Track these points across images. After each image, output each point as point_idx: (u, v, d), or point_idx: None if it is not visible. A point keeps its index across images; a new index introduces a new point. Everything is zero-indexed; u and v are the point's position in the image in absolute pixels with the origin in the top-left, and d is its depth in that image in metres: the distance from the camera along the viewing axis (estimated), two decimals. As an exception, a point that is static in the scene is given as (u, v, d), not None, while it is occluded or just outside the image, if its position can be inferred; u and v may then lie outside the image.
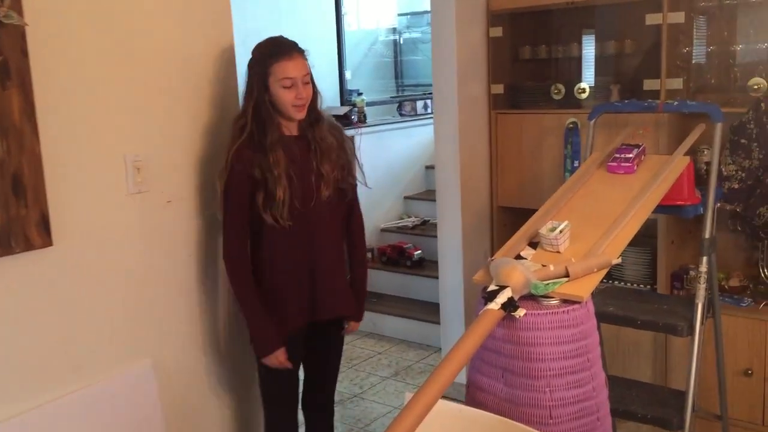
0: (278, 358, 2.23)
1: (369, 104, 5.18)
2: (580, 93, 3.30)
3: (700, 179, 2.82)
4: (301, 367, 2.41)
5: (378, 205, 5.12)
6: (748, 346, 2.98)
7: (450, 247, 3.55)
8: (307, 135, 2.24)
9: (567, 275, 1.85)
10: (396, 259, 4.87)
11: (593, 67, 3.38)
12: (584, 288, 1.83)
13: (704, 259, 2.37)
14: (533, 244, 2.07)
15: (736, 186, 2.85)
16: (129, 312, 2.11)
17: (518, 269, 1.83)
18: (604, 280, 3.38)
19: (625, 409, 2.40)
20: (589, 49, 3.37)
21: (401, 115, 5.44)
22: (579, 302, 1.82)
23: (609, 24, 3.37)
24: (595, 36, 3.36)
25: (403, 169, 5.29)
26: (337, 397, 3.77)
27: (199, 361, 2.32)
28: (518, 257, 2.01)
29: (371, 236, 5.06)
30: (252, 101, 2.16)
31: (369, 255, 4.96)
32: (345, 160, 2.31)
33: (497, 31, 3.47)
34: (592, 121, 2.69)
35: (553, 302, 1.84)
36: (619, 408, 2.41)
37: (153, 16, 2.11)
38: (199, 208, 2.27)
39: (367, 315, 4.85)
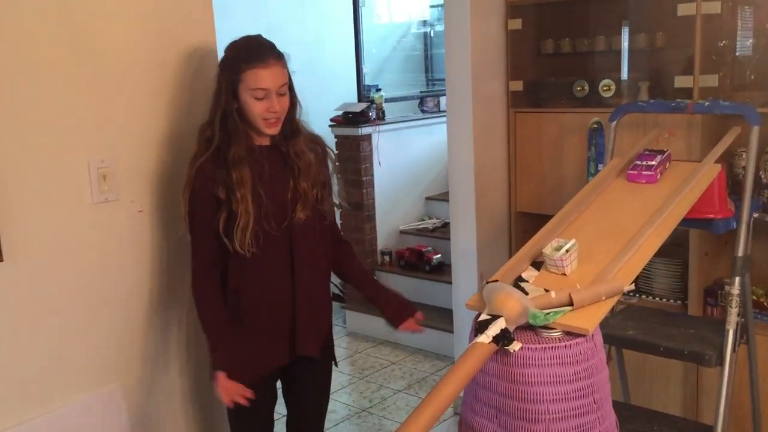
0: (224, 384, 1.90)
1: (388, 100, 4.95)
2: (605, 90, 3.04)
3: (737, 186, 2.55)
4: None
5: (397, 206, 4.90)
6: (789, 371, 2.70)
7: (464, 255, 3.32)
8: (280, 147, 1.98)
9: (571, 304, 1.62)
10: (415, 263, 4.66)
11: (620, 62, 3.10)
12: (590, 319, 1.60)
13: (737, 280, 2.11)
14: (537, 264, 1.84)
15: (777, 195, 2.56)
16: (95, 333, 1.95)
17: (514, 296, 1.61)
18: (629, 293, 3.12)
19: (645, 447, 2.15)
20: (616, 43, 3.09)
21: (423, 111, 5.20)
22: (584, 335, 1.58)
23: (638, 15, 3.09)
24: (623, 29, 3.08)
25: (424, 168, 5.06)
26: (344, 412, 3.59)
27: (172, 383, 2.15)
28: (519, 279, 1.79)
29: (389, 239, 4.85)
30: (220, 109, 1.90)
31: (387, 258, 4.76)
32: (326, 178, 2.06)
33: (516, 23, 3.22)
34: (614, 123, 2.44)
35: (555, 334, 1.61)
36: (638, 445, 2.16)
37: (124, 16, 1.94)
38: (175, 218, 2.09)
39: (383, 322, 4.67)
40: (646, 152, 2.15)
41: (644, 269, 3.10)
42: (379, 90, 4.89)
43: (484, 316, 1.62)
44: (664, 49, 3.00)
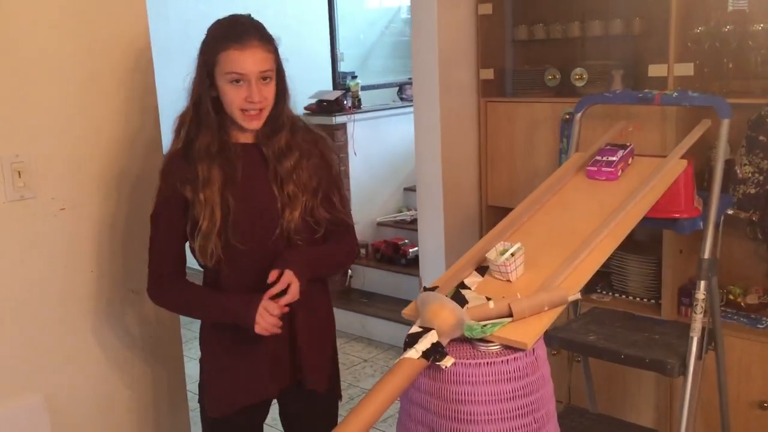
0: (266, 319, 1.62)
1: (365, 88, 4.81)
2: (577, 79, 2.89)
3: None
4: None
5: (374, 198, 4.76)
6: (764, 374, 2.57)
7: (431, 251, 3.19)
8: (261, 146, 1.74)
9: (510, 315, 1.49)
10: (391, 256, 4.53)
11: (595, 50, 2.95)
12: (530, 332, 1.46)
13: (702, 284, 1.97)
14: (483, 270, 1.70)
15: (753, 191, 2.42)
16: (11, 341, 1.81)
17: (447, 307, 1.47)
18: (602, 291, 3.00)
19: (604, 460, 2.03)
20: (591, 30, 2.93)
21: (402, 99, 5.05)
22: (523, 350, 1.45)
23: (615, 0, 2.93)
24: (599, 14, 2.93)
25: (402, 158, 4.91)
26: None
27: (102, 392, 2.02)
28: (461, 286, 1.65)
29: (366, 231, 4.71)
30: (195, 96, 1.69)
31: (363, 251, 4.63)
32: (322, 184, 1.77)
33: (487, 8, 3.06)
34: (578, 115, 2.30)
35: (493, 348, 1.48)
36: (596, 457, 2.04)
37: (41, 5, 1.79)
38: (101, 216, 1.96)
39: (356, 317, 4.57)
40: (608, 147, 2.01)
41: (618, 267, 3.00)
42: (355, 77, 4.74)
43: (414, 329, 1.49)
44: (639, 36, 2.85)
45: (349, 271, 4.47)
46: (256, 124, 1.70)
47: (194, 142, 1.69)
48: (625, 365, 2.06)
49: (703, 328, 2.03)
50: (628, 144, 2.00)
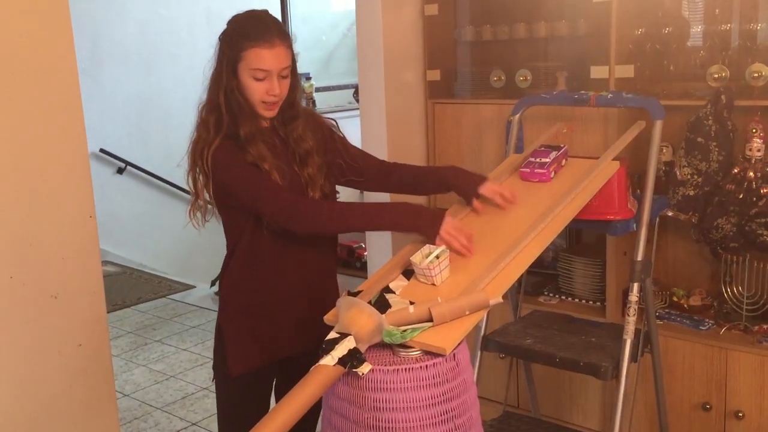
0: (450, 227, 1.70)
1: (320, 89, 4.76)
2: (522, 81, 2.87)
3: (658, 182, 2.41)
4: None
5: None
6: (707, 376, 2.57)
7: (378, 256, 3.15)
8: (278, 131, 1.87)
9: (431, 319, 1.45)
10: (345, 259, 4.48)
11: (539, 51, 2.94)
12: (450, 337, 1.44)
13: (635, 286, 1.96)
14: (409, 273, 1.67)
15: (692, 192, 2.42)
16: None
17: (365, 312, 1.44)
18: (549, 294, 2.99)
19: (538, 465, 2.01)
20: (536, 31, 2.92)
21: (357, 101, 5.01)
22: (442, 355, 1.42)
23: (560, 1, 2.93)
24: (544, 15, 2.92)
25: (358, 159, 4.87)
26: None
27: (25, 399, 1.94)
28: (386, 290, 1.62)
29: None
30: (222, 89, 1.77)
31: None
32: (334, 154, 1.94)
33: (433, 9, 3.03)
34: (517, 116, 2.28)
35: (414, 354, 1.45)
36: (531, 463, 2.02)
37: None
38: (19, 220, 1.88)
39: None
40: (542, 148, 1.99)
41: (565, 270, 2.99)
42: (309, 78, 4.69)
43: (332, 335, 1.45)
44: (583, 38, 2.84)
45: (362, 244, 4.42)
46: (272, 113, 1.82)
47: (236, 130, 1.77)
48: (561, 368, 2.04)
49: (638, 331, 2.02)
50: (561, 145, 1.99)
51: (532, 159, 1.95)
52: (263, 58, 1.73)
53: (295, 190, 1.81)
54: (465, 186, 1.90)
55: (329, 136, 1.96)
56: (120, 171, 5.58)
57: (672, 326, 2.63)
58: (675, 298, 2.77)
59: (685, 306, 2.74)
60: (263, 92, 1.76)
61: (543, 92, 2.48)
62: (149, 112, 5.52)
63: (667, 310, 2.74)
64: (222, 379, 1.91)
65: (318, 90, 4.69)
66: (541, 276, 3.06)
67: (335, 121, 2.02)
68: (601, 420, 2.80)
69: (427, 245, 1.64)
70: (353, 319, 1.43)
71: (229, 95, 1.77)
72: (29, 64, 1.89)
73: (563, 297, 2.97)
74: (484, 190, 1.86)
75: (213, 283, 4.85)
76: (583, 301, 2.92)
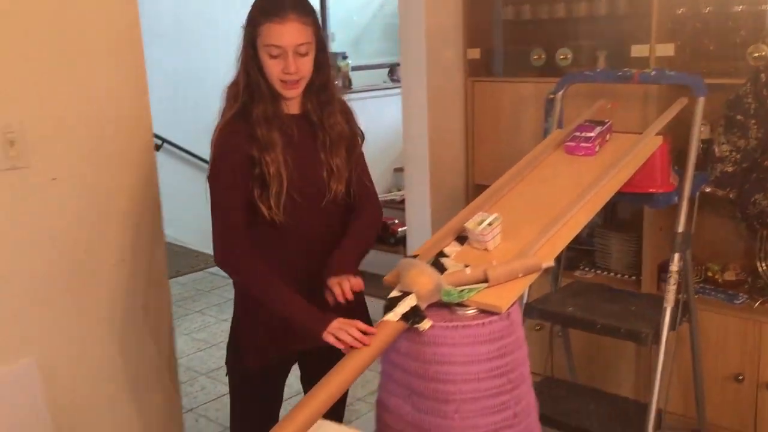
0: (340, 322, 1.60)
1: (356, 69, 4.84)
2: (562, 60, 2.94)
3: (696, 160, 2.46)
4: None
5: (364, 178, 4.81)
6: (740, 348, 2.64)
7: (418, 229, 3.25)
8: (311, 117, 1.80)
9: (486, 280, 1.55)
10: (380, 235, 4.57)
11: (580, 30, 3.00)
12: (505, 297, 1.53)
13: (676, 256, 2.04)
14: (462, 239, 1.76)
15: (730, 169, 2.47)
16: (4, 306, 1.86)
17: (426, 272, 1.54)
18: (585, 268, 3.07)
19: (578, 426, 2.10)
20: (577, 10, 2.98)
21: (393, 80, 5.09)
22: (498, 313, 1.52)
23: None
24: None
25: (393, 139, 4.95)
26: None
27: (93, 357, 2.07)
28: (441, 254, 1.71)
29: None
30: (243, 66, 1.75)
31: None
32: (354, 151, 1.85)
33: (474, -12, 3.10)
34: (559, 93, 2.35)
35: (470, 312, 1.54)
36: (571, 424, 2.11)
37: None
38: (91, 185, 2.00)
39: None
40: (587, 123, 2.06)
41: (601, 245, 3.06)
42: (345, 58, 4.77)
43: (394, 293, 1.55)
44: (623, 17, 2.89)
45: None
46: (294, 93, 1.75)
47: (250, 109, 1.73)
48: (601, 334, 2.13)
49: (678, 301, 2.10)
50: (606, 121, 2.06)
51: (578, 134, 2.03)
52: (275, 33, 1.68)
53: (309, 184, 1.76)
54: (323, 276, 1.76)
55: (353, 143, 1.86)
56: (157, 148, 5.71)
57: (707, 300, 2.70)
58: (710, 273, 2.83)
59: (720, 281, 2.81)
60: (279, 71, 1.71)
61: (586, 70, 2.54)
62: (185, 89, 5.63)
63: (701, 285, 2.80)
64: (237, 369, 1.90)
65: (353, 69, 4.77)
66: (577, 251, 3.13)
67: (362, 132, 1.91)
68: (634, 388, 2.88)
69: (480, 213, 1.73)
70: (414, 279, 1.53)
71: (250, 73, 1.74)
72: (97, 42, 1.99)
73: (598, 271, 3.05)
74: (330, 281, 1.73)
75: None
76: (618, 275, 3.00)
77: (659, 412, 2.04)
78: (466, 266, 1.61)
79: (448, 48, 3.13)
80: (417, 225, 3.25)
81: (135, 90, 2.08)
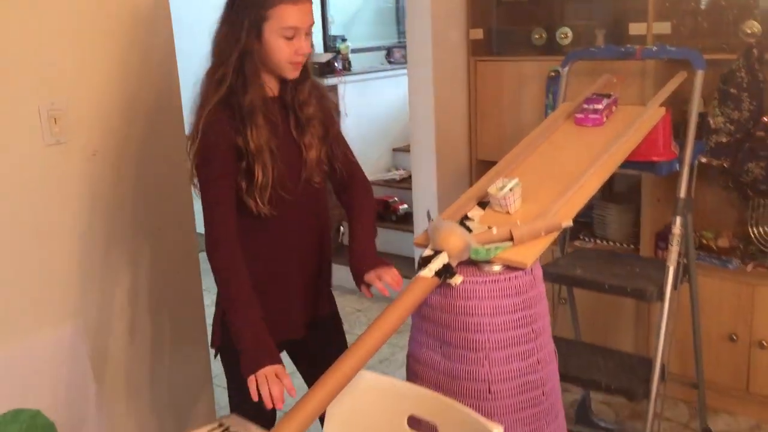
0: (275, 372, 1.58)
1: (355, 51, 4.94)
2: (562, 38, 3.07)
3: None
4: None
5: (364, 158, 4.86)
6: (734, 310, 2.80)
7: (425, 204, 3.38)
8: (285, 98, 1.77)
9: (511, 239, 1.68)
10: (381, 213, 4.70)
11: (578, 10, 3.13)
12: (529, 253, 1.66)
13: (678, 219, 2.18)
14: (483, 204, 1.89)
15: (724, 140, 2.63)
16: (51, 272, 1.98)
17: (456, 232, 1.67)
18: (584, 238, 3.22)
19: (589, 379, 2.25)
20: (575, -10, 3.11)
21: (390, 63, 5.20)
22: (523, 269, 1.65)
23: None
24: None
25: (391, 119, 5.08)
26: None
27: (139, 327, 2.19)
28: (465, 218, 1.84)
29: (356, 190, 4.88)
30: (238, 49, 1.66)
31: (354, 209, 4.80)
32: (332, 129, 1.84)
33: (476, -29, 3.22)
34: (566, 69, 2.48)
35: (496, 269, 1.68)
36: (582, 377, 2.26)
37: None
38: (128, 159, 2.11)
39: (347, 271, 4.75)
40: (594, 96, 2.19)
41: (599, 215, 3.21)
42: (345, 40, 4.86)
43: (427, 252, 1.68)
44: (621, -3, 3.03)
45: (341, 228, 4.65)
46: (297, 74, 1.74)
47: (239, 95, 1.68)
48: (609, 294, 2.27)
49: (678, 263, 2.24)
50: (612, 94, 2.19)
51: (586, 105, 2.16)
52: (293, 14, 1.65)
53: (289, 166, 1.73)
54: (354, 270, 1.81)
55: (329, 121, 1.85)
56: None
57: (702, 266, 2.84)
58: (704, 240, 2.99)
59: (714, 247, 2.96)
60: (292, 52, 1.68)
61: (591, 47, 2.67)
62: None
63: (697, 252, 2.95)
64: (227, 351, 1.81)
65: (353, 51, 4.87)
66: (576, 223, 3.25)
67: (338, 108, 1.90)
68: (634, 346, 3.03)
69: (501, 178, 1.86)
70: (446, 239, 1.65)
71: (244, 58, 1.67)
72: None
73: (598, 241, 3.20)
74: (367, 277, 1.76)
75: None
76: (617, 244, 3.15)
77: (663, 366, 2.19)
78: (489, 227, 1.74)
79: (452, 29, 3.25)
80: (424, 200, 3.38)
81: (165, 72, 2.18)
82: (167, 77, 2.19)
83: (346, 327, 2.03)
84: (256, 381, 1.56)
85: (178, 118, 2.23)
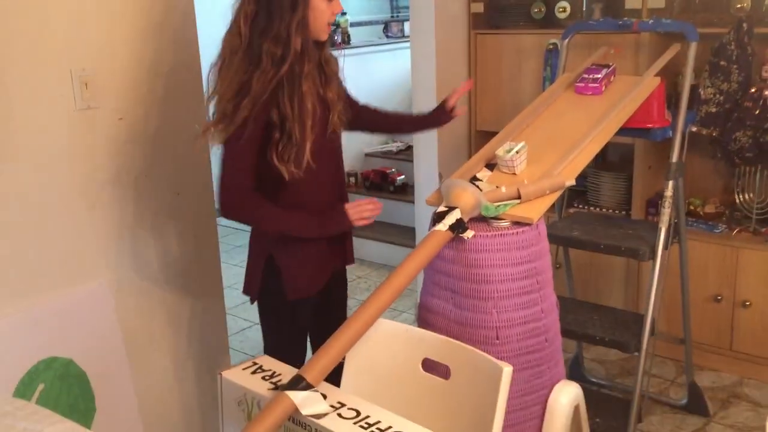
0: (355, 209, 1.86)
1: (353, 24, 5.03)
2: (560, 12, 3.19)
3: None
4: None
5: (363, 130, 5.03)
6: (719, 272, 2.97)
7: (426, 173, 3.50)
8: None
9: (519, 197, 1.82)
10: (379, 184, 4.83)
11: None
12: (535, 210, 1.80)
13: (670, 183, 2.33)
14: (490, 166, 2.03)
15: (714, 110, 2.77)
16: (80, 231, 2.09)
17: (468, 190, 1.80)
18: (579, 206, 3.37)
19: (585, 333, 2.40)
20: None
21: (387, 36, 5.29)
22: (529, 224, 1.79)
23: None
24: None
25: (389, 92, 5.18)
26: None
27: (154, 277, 2.31)
28: (474, 179, 1.97)
29: (355, 161, 5.00)
30: (295, 19, 1.71)
31: (352, 180, 4.93)
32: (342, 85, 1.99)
33: (477, -55, 3.32)
34: (566, 41, 2.60)
35: (504, 224, 1.81)
36: (578, 331, 2.41)
37: None
38: (154, 125, 2.22)
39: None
40: (593, 66, 2.32)
41: (593, 183, 3.36)
42: (344, 13, 4.95)
43: (441, 208, 1.81)
44: (617, -29, 3.14)
45: (342, 199, 4.77)
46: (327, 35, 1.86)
47: (296, 67, 1.75)
48: (604, 253, 2.42)
49: (669, 224, 2.39)
50: (610, 64, 2.32)
51: (586, 75, 2.29)
52: None
53: (320, 123, 1.83)
54: (437, 110, 2.28)
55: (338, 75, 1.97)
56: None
57: (689, 231, 2.98)
58: (692, 207, 3.15)
59: (701, 213, 3.12)
60: (331, 13, 1.80)
61: (590, 20, 2.79)
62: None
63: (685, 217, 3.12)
64: (276, 303, 1.96)
65: (352, 25, 4.96)
66: (570, 191, 3.42)
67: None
68: (625, 304, 3.20)
69: (508, 142, 1.99)
70: (458, 196, 1.79)
71: (302, 28, 1.73)
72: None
73: (592, 208, 3.34)
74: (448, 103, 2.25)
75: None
76: (610, 211, 3.30)
77: (653, 321, 2.35)
78: (498, 187, 1.87)
79: (453, 2, 3.36)
80: (425, 170, 3.50)
81: (185, 36, 2.27)
82: (187, 41, 2.27)
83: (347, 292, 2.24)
84: (359, 220, 1.89)
85: (197, 80, 2.33)
